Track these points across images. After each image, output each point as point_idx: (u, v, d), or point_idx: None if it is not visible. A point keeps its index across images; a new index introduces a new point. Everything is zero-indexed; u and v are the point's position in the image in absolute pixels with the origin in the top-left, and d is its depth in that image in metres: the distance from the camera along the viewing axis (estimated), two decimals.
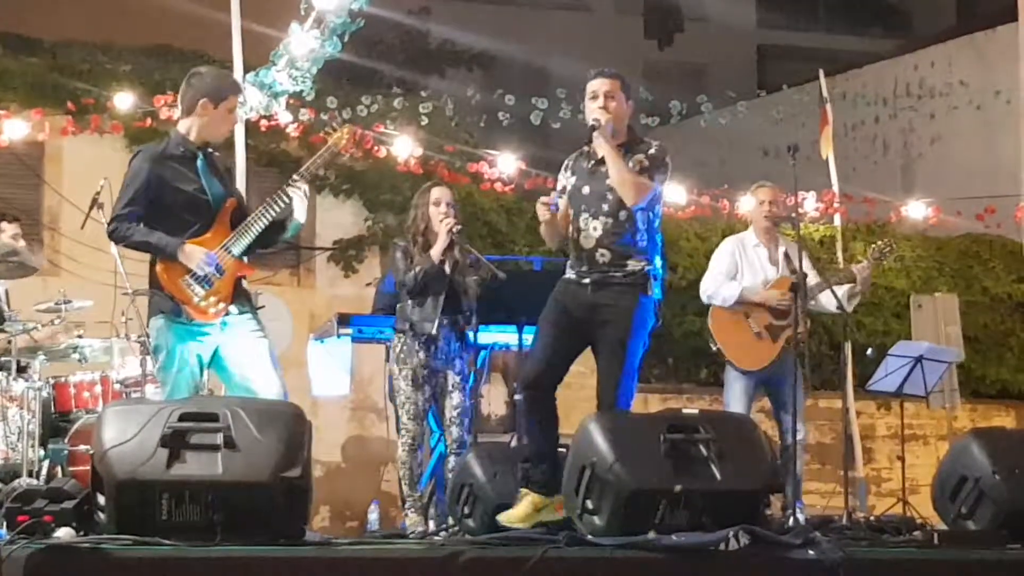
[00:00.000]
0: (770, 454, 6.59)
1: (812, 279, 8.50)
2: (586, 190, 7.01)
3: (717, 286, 8.99)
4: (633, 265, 6.94)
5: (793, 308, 8.01)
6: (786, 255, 8.56)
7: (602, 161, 6.97)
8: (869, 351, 11.55)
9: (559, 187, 7.19)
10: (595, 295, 6.91)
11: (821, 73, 12.76)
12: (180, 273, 6.76)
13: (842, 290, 8.90)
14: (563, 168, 7.23)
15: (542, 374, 6.94)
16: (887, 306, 14.24)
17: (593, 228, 6.94)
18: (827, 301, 8.81)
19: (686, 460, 6.21)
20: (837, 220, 12.75)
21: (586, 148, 7.13)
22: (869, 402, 13.33)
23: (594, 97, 6.99)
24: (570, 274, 7.04)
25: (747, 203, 9.49)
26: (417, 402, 8.35)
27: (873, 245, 9.22)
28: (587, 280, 6.94)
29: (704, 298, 9.09)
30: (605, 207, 6.94)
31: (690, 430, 6.30)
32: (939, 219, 13.68)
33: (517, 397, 7.12)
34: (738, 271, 8.99)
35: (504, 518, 6.85)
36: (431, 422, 8.77)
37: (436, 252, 8.36)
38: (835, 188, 12.57)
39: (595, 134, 6.91)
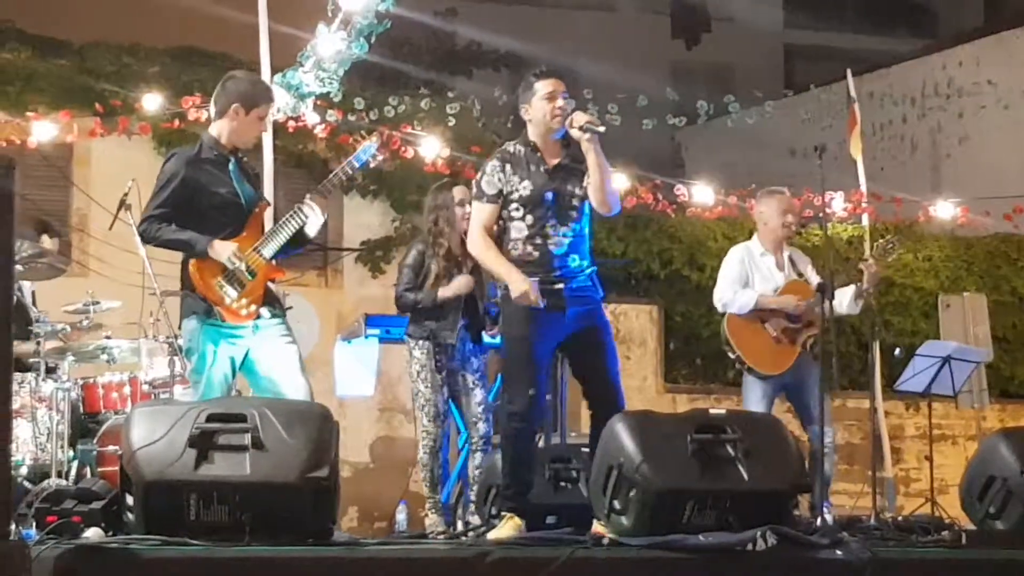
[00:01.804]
0: (797, 454, 6.57)
1: (814, 282, 8.42)
2: (549, 196, 6.84)
3: (733, 294, 8.84)
4: (589, 267, 6.95)
5: (820, 310, 7.98)
6: (791, 259, 8.57)
7: (563, 166, 6.89)
8: (897, 351, 11.51)
9: (491, 191, 6.85)
10: (572, 300, 6.83)
11: (849, 73, 12.73)
12: (213, 275, 6.80)
13: (849, 291, 8.80)
14: (496, 170, 6.87)
15: (533, 407, 6.81)
16: (915, 306, 14.20)
17: (563, 234, 6.84)
18: (837, 304, 8.70)
19: (713, 460, 6.20)
20: (865, 220, 12.72)
21: (523, 148, 6.94)
22: (897, 402, 13.31)
23: (552, 97, 6.87)
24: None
25: (764, 206, 9.07)
26: (436, 404, 8.36)
27: (876, 243, 9.15)
28: (560, 286, 6.81)
29: (719, 307, 8.91)
30: (573, 213, 6.88)
31: (718, 430, 6.29)
32: (967, 219, 13.66)
33: (514, 425, 6.93)
34: (749, 278, 8.87)
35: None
36: (458, 422, 8.77)
37: (451, 291, 8.33)
38: (863, 188, 12.53)
39: (585, 139, 6.75)
